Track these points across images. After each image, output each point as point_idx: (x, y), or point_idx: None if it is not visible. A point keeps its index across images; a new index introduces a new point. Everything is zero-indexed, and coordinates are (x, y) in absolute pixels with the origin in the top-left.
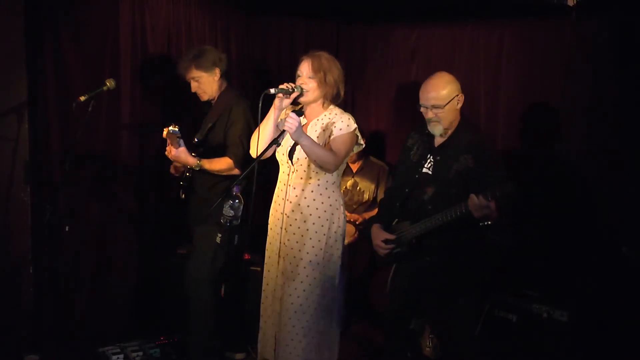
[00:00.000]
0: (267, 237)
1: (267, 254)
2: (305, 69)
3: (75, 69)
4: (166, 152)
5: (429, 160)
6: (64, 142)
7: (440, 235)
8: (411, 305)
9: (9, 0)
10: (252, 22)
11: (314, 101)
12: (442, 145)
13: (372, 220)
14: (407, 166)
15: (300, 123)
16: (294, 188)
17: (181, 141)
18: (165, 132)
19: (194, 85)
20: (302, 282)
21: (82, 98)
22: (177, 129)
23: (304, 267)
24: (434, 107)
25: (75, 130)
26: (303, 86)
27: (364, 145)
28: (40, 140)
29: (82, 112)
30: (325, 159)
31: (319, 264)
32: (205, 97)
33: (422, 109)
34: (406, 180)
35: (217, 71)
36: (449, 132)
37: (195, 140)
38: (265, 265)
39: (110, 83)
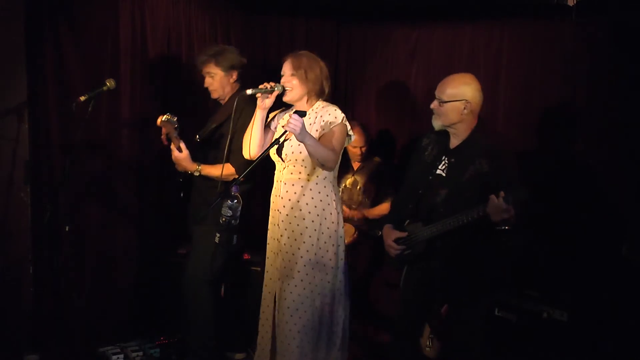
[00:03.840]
0: (267, 236)
1: (267, 253)
2: (286, 68)
3: (75, 69)
4: (162, 138)
5: (443, 162)
6: (64, 142)
7: (454, 237)
8: (425, 307)
9: (9, 0)
10: (252, 22)
11: (299, 99)
12: (457, 147)
13: (382, 220)
14: (421, 166)
15: (303, 124)
16: (285, 184)
17: (176, 132)
18: (159, 120)
19: (207, 81)
20: (299, 280)
21: (82, 98)
22: (174, 119)
23: (299, 266)
24: (438, 98)
25: (75, 131)
26: (286, 85)
27: (353, 137)
28: (41, 140)
29: (82, 112)
30: (328, 157)
31: (310, 260)
32: (215, 95)
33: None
34: (419, 181)
35: (235, 74)
36: (464, 135)
37: (197, 138)
38: (266, 265)
39: (110, 83)
